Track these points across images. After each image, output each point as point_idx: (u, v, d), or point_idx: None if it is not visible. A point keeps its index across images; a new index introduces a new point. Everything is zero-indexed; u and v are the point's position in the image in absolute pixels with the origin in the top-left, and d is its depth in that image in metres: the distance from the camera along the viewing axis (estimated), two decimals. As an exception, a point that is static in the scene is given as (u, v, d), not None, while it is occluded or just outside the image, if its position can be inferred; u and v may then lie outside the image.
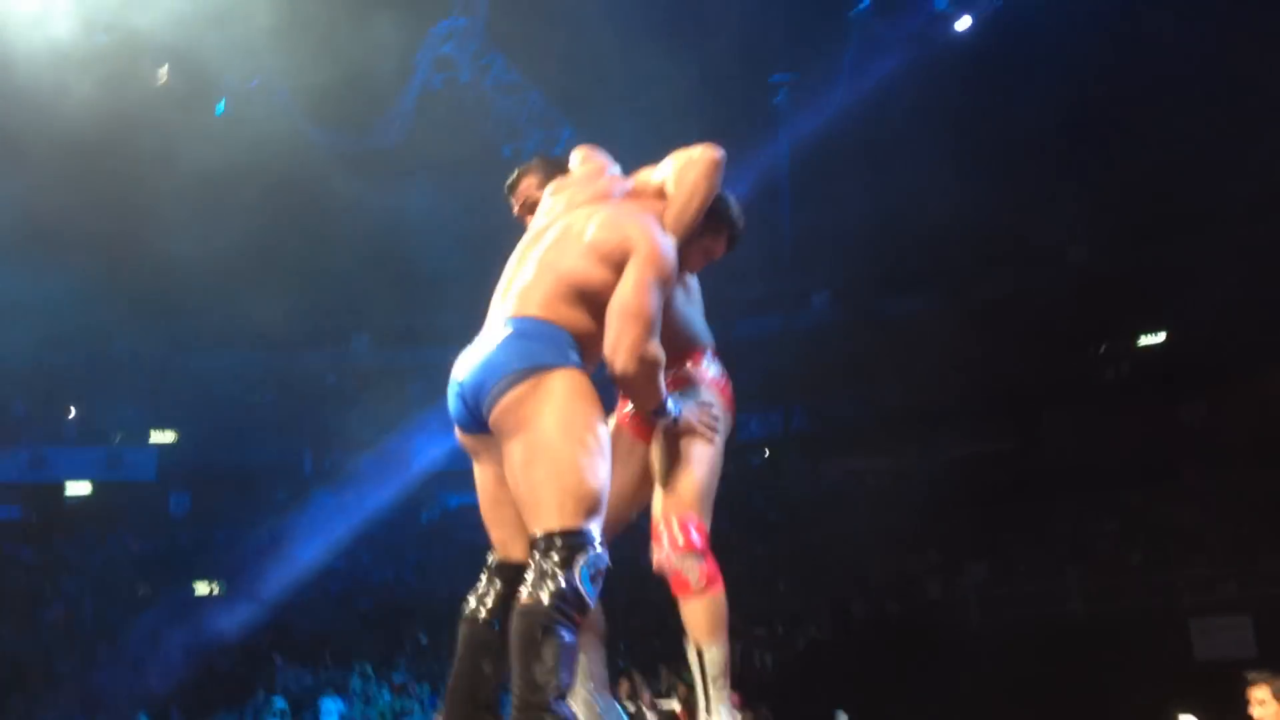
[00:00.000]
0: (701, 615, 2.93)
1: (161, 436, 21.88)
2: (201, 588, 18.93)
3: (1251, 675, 4.98)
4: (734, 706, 10.96)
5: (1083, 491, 16.60)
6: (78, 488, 21.27)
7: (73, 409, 21.77)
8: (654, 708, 12.05)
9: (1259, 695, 4.98)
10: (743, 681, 14.33)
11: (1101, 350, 19.39)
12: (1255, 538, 13.95)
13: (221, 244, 17.02)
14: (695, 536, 2.89)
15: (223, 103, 17.84)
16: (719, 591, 2.92)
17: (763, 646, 15.62)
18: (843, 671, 13.83)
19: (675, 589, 2.94)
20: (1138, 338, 19.39)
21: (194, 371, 21.61)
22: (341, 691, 13.95)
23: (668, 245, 2.94)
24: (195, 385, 21.81)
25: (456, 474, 21.89)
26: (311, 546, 18.75)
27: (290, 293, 19.14)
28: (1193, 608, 13.47)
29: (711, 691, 2.90)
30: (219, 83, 18.04)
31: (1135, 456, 16.73)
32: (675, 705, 12.28)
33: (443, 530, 21.09)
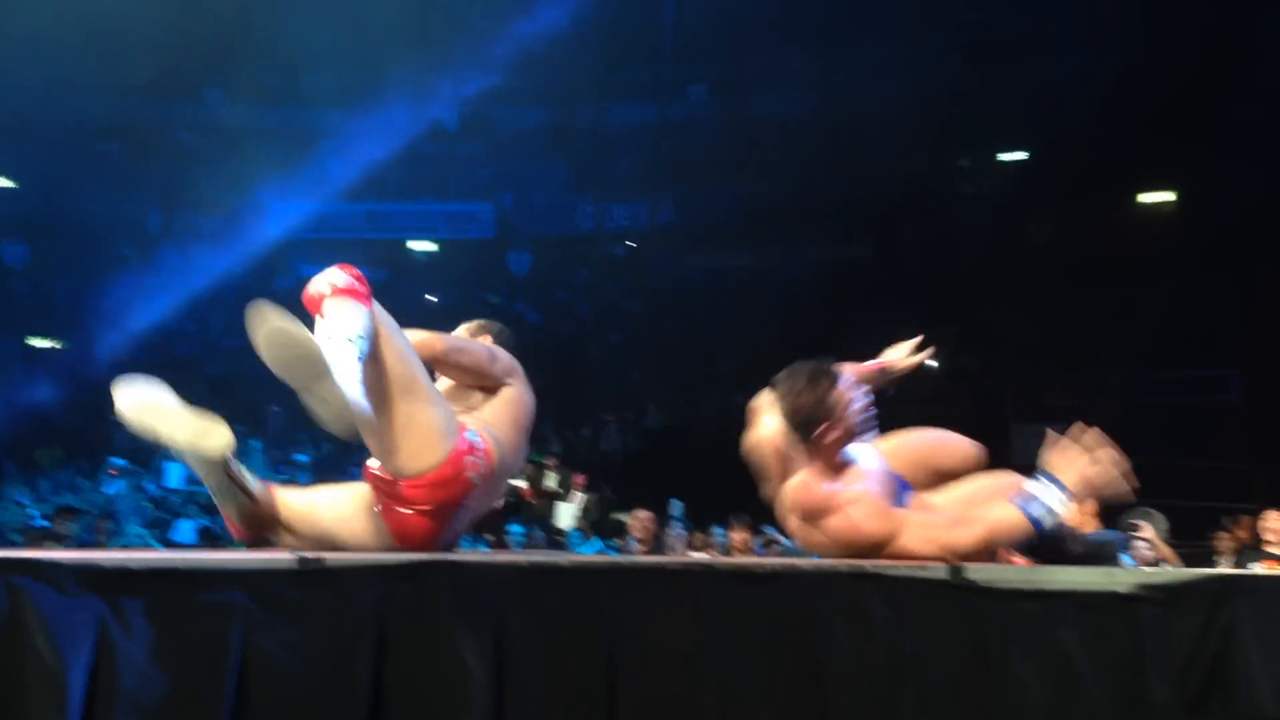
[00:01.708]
0: (336, 309, 2.70)
1: (-7, 181, 20.61)
2: (38, 341, 18.31)
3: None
4: (578, 487, 11.24)
5: (930, 299, 17.19)
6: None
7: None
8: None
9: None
10: (589, 464, 14.81)
11: (963, 164, 19.75)
12: (1081, 351, 14.79)
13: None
14: (347, 269, 2.75)
15: None
16: (363, 301, 2.71)
17: (611, 431, 16.07)
18: (686, 458, 14.35)
19: (316, 303, 2.72)
20: (998, 154, 19.77)
21: (32, 115, 20.21)
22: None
23: None
24: (33, 130, 20.45)
25: (312, 243, 21.53)
26: (157, 306, 18.21)
27: (141, 40, 17.87)
28: (1016, 414, 14.32)
29: (338, 350, 2.63)
30: None
31: (982, 269, 17.34)
32: (522, 483, 12.65)
33: (296, 299, 20.69)
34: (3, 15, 16.67)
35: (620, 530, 10.20)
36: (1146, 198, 18.13)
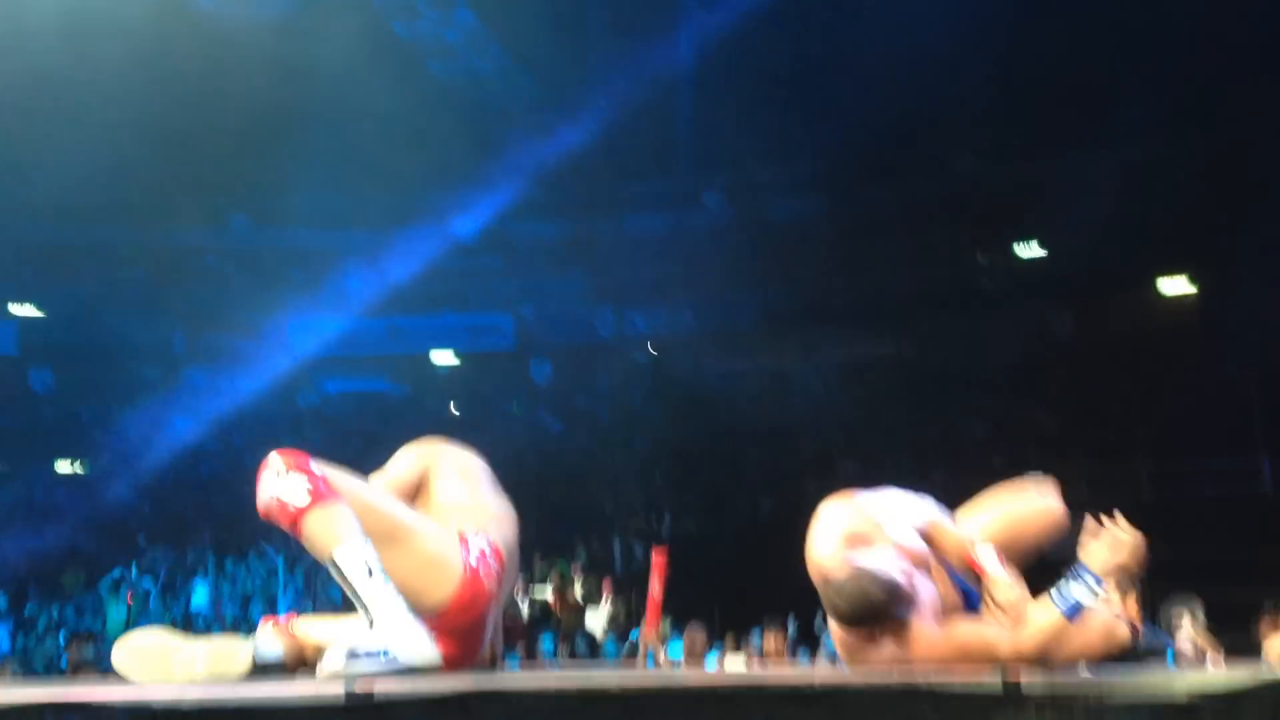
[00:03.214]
0: (321, 528, 2.65)
1: (21, 310, 20.96)
2: (64, 466, 18.39)
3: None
4: (606, 595, 11.09)
5: (954, 397, 17.14)
6: (-69, 361, 20.34)
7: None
8: (527, 595, 12.26)
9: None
10: (614, 570, 14.65)
11: (981, 260, 19.87)
12: (1110, 445, 14.66)
13: (92, 116, 16.20)
14: (290, 458, 2.72)
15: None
16: (331, 498, 2.66)
17: (636, 537, 15.93)
18: (712, 562, 14.18)
19: (286, 519, 2.66)
20: (1016, 249, 19.89)
21: (58, 245, 20.66)
22: (211, 573, 13.81)
23: None
24: (59, 259, 20.87)
25: (336, 360, 21.71)
26: (183, 427, 18.34)
27: (165, 168, 18.33)
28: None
29: (364, 594, 2.59)
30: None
31: (1006, 365, 17.31)
32: (548, 593, 12.52)
33: (320, 415, 20.83)
34: (28, 147, 17.15)
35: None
36: (1167, 287, 18.15)
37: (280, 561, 13.15)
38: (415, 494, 3.06)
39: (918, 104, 18.58)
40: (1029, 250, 19.73)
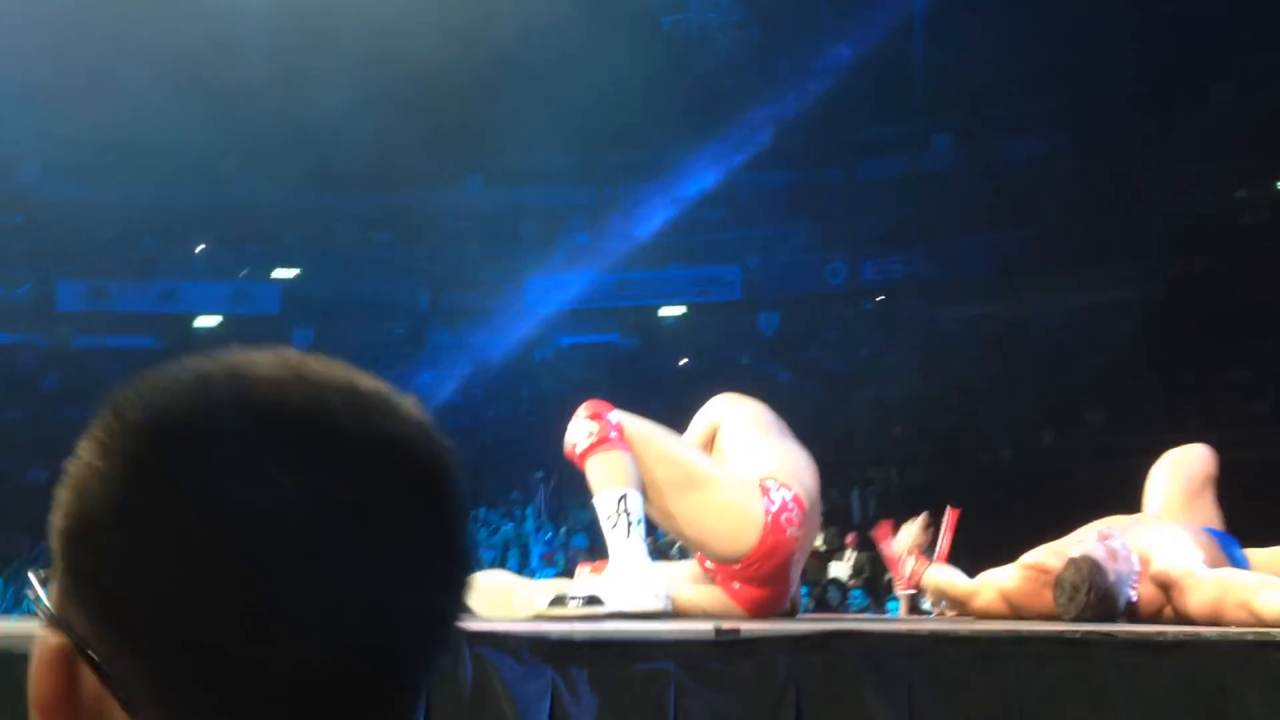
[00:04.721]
0: (595, 471, 2.82)
1: (284, 273, 22.49)
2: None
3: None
4: (850, 546, 11.03)
5: (1210, 341, 16.16)
6: (207, 320, 22.10)
7: (200, 245, 22.46)
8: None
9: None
10: (852, 521, 14.59)
11: (1241, 194, 18.55)
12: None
13: (343, 90, 17.16)
14: (592, 405, 2.86)
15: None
16: (611, 445, 2.80)
17: (874, 488, 15.82)
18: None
19: (573, 460, 2.87)
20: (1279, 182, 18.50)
21: (315, 211, 22.02)
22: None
23: None
24: (317, 224, 22.26)
25: (569, 314, 22.29)
26: (431, 382, 19.32)
27: (407, 135, 19.20)
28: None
29: (610, 538, 2.74)
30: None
31: (1268, 305, 16.17)
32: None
33: (555, 368, 21.51)
34: (290, 124, 18.28)
35: (891, 589, 10.02)
36: None
37: (531, 510, 13.73)
38: (709, 450, 3.18)
39: (1166, 28, 17.46)
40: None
